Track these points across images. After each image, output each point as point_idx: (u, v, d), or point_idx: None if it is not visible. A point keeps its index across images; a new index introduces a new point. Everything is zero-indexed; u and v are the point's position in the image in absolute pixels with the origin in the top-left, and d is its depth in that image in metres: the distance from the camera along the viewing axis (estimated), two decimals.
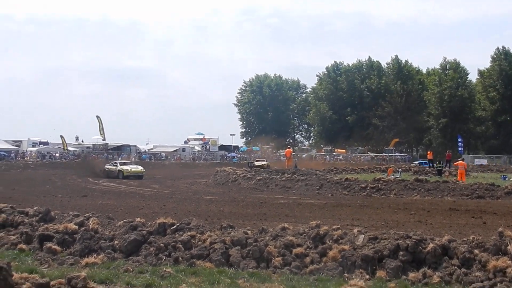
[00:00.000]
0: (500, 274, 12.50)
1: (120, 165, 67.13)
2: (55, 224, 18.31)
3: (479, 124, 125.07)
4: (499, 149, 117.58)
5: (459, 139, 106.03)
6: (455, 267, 13.11)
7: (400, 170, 61.12)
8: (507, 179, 52.76)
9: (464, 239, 14.45)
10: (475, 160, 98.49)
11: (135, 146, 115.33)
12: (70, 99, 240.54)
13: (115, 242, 16.39)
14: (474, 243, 13.87)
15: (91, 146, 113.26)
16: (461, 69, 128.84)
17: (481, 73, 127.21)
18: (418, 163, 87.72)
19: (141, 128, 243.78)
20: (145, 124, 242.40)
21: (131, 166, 68.73)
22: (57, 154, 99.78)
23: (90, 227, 17.25)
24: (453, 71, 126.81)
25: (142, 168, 67.64)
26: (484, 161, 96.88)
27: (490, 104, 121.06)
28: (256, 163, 72.67)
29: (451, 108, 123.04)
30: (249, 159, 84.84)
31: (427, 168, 68.18)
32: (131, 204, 32.26)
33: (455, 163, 53.90)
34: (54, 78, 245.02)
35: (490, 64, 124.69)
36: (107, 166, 68.07)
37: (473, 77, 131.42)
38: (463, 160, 56.09)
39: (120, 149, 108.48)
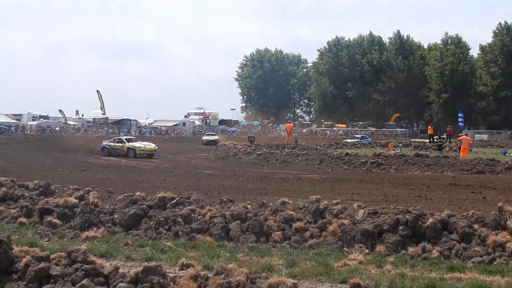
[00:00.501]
0: (499, 249, 12.52)
1: (128, 141, 57.89)
2: (55, 198, 18.34)
3: (480, 99, 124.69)
4: (500, 124, 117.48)
5: (460, 114, 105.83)
6: (455, 242, 13.13)
7: (400, 145, 61.09)
8: (507, 154, 52.72)
9: (464, 214, 14.46)
10: (476, 135, 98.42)
11: (136, 120, 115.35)
12: (71, 74, 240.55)
13: (115, 216, 16.43)
14: (473, 218, 13.88)
15: (91, 120, 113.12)
16: (463, 44, 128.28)
17: (482, 48, 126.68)
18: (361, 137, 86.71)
19: (141, 102, 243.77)
20: (145, 98, 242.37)
21: (142, 143, 59.54)
22: (57, 128, 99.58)
23: (90, 201, 17.29)
24: (454, 46, 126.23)
25: (154, 145, 58.84)
26: (484, 136, 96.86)
27: (491, 80, 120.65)
28: (206, 138, 73.62)
29: (452, 83, 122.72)
30: (249, 134, 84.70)
31: (427, 143, 68.15)
32: (131, 178, 32.27)
33: (459, 138, 53.74)
34: (55, 53, 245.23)
35: (491, 39, 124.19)
36: (108, 143, 58.25)
37: (474, 52, 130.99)
38: (466, 135, 55.95)
39: (120, 123, 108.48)
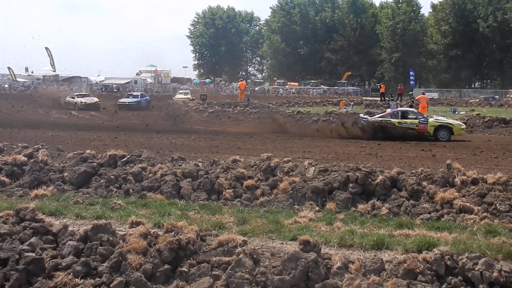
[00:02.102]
0: (447, 206, 12.70)
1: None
2: (3, 155, 18.06)
3: (430, 58, 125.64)
4: (450, 83, 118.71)
5: (411, 73, 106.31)
6: (404, 199, 13.27)
7: (351, 103, 61.43)
8: (457, 112, 53.39)
9: (413, 171, 14.63)
10: (426, 93, 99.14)
11: (86, 77, 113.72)
12: (20, 30, 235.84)
13: (65, 174, 16.26)
14: (422, 175, 14.04)
15: (41, 77, 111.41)
16: (414, 3, 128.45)
17: (434, 6, 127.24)
18: None
19: (92, 60, 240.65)
20: (96, 56, 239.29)
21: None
22: (6, 85, 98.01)
23: (40, 159, 17.06)
24: (406, 5, 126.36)
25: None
26: (435, 95, 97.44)
27: (442, 38, 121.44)
28: (80, 100, 64.32)
29: (404, 41, 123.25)
30: (201, 92, 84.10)
31: (379, 101, 68.63)
32: (82, 136, 31.95)
33: (417, 98, 54.16)
34: (2, 9, 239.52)
35: None
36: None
37: (426, 11, 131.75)
38: (424, 94, 56.41)
39: (71, 81, 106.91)
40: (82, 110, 59.56)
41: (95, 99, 65.09)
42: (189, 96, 75.29)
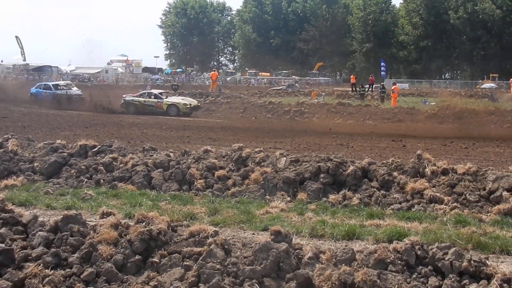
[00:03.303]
0: (417, 196, 12.77)
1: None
2: None
3: (401, 48, 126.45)
4: (421, 73, 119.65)
5: (382, 64, 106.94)
6: (375, 189, 13.33)
7: (323, 93, 61.55)
8: (427, 103, 53.71)
9: (384, 161, 14.66)
10: (397, 84, 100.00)
11: (57, 67, 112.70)
12: None
13: (35, 164, 16.12)
14: (393, 166, 14.09)
15: (11, 66, 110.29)
16: None
17: None
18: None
19: (63, 49, 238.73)
20: (67, 45, 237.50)
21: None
22: None
23: (9, 149, 16.88)
24: None
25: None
26: (405, 86, 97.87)
27: (413, 29, 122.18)
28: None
29: (375, 32, 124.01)
30: (173, 82, 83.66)
31: (350, 92, 68.82)
32: (53, 126, 31.74)
33: (392, 88, 54.48)
34: None
35: None
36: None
37: (397, 2, 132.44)
38: (395, 84, 56.68)
39: (41, 70, 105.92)
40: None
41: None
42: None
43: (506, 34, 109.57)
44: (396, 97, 49.63)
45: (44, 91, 52.61)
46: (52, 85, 54.72)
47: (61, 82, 59.81)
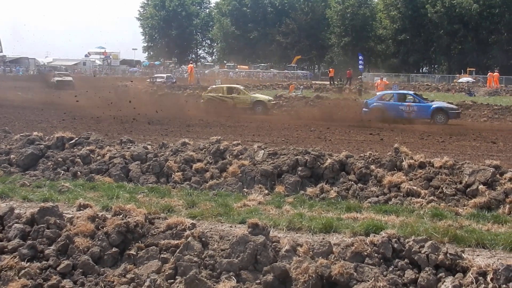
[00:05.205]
0: (394, 189, 12.85)
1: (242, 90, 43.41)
2: None
3: (379, 42, 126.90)
4: (399, 67, 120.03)
5: (360, 57, 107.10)
6: (352, 182, 13.39)
7: (301, 87, 61.65)
8: None
9: (361, 155, 14.73)
10: (375, 78, 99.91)
11: (34, 59, 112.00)
12: None
13: (12, 156, 16.04)
14: (370, 159, 14.16)
15: None
16: None
17: None
18: None
19: (40, 41, 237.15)
20: (44, 36, 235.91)
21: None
22: None
23: None
24: None
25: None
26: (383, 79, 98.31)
27: (391, 23, 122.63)
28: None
29: (353, 26, 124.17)
30: (151, 74, 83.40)
31: (328, 85, 68.96)
32: (29, 118, 31.56)
33: (378, 83, 54.63)
34: None
35: None
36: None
37: None
38: (381, 79, 56.75)
39: (18, 62, 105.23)
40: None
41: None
42: (70, 78, 69.79)
43: (483, 28, 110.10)
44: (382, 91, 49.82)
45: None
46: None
47: None
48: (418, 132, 28.54)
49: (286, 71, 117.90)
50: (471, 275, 7.28)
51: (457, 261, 7.58)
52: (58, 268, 8.16)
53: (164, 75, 78.98)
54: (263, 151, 14.96)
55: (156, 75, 76.15)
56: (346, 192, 13.08)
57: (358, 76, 74.86)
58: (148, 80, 71.79)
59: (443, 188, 12.56)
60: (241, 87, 43.89)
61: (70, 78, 67.58)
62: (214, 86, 45.89)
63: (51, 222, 8.85)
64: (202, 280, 7.68)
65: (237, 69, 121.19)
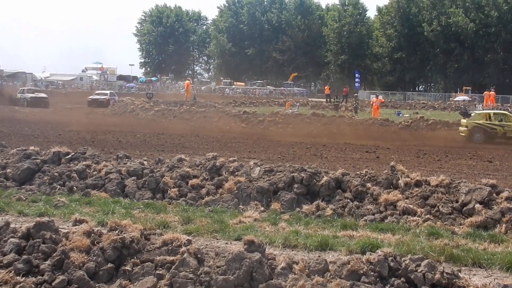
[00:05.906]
0: (391, 207, 12.83)
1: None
2: None
3: (376, 60, 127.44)
4: (395, 85, 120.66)
5: (356, 75, 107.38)
6: (348, 200, 13.37)
7: (297, 104, 61.74)
8: (401, 115, 54.14)
9: (358, 172, 14.72)
10: (371, 95, 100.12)
11: (31, 73, 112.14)
12: None
13: (8, 170, 16.01)
14: (367, 177, 14.15)
15: None
16: (360, 6, 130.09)
17: (379, 10, 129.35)
18: None
19: (38, 56, 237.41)
20: (42, 52, 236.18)
21: None
22: None
23: None
24: (352, 8, 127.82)
25: None
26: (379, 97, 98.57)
27: (387, 41, 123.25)
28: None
29: (350, 44, 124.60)
30: (147, 90, 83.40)
31: (324, 103, 69.10)
32: (26, 132, 31.59)
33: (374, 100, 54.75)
34: None
35: (388, 1, 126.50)
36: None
37: (371, 14, 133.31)
38: (377, 96, 56.85)
39: (15, 76, 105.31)
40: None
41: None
42: (44, 94, 67.80)
43: (479, 47, 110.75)
44: (377, 108, 49.95)
45: None
46: None
47: None
48: (414, 151, 28.58)
49: (282, 88, 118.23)
50: None
51: (454, 280, 7.57)
52: (53, 283, 8.12)
53: (107, 92, 73.24)
54: (259, 168, 14.95)
55: (97, 91, 70.41)
56: (342, 210, 13.06)
57: (354, 94, 74.90)
58: (89, 98, 67.43)
59: (440, 207, 12.56)
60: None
61: (44, 95, 65.97)
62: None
63: (47, 237, 8.82)
64: None
65: (233, 86, 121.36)
